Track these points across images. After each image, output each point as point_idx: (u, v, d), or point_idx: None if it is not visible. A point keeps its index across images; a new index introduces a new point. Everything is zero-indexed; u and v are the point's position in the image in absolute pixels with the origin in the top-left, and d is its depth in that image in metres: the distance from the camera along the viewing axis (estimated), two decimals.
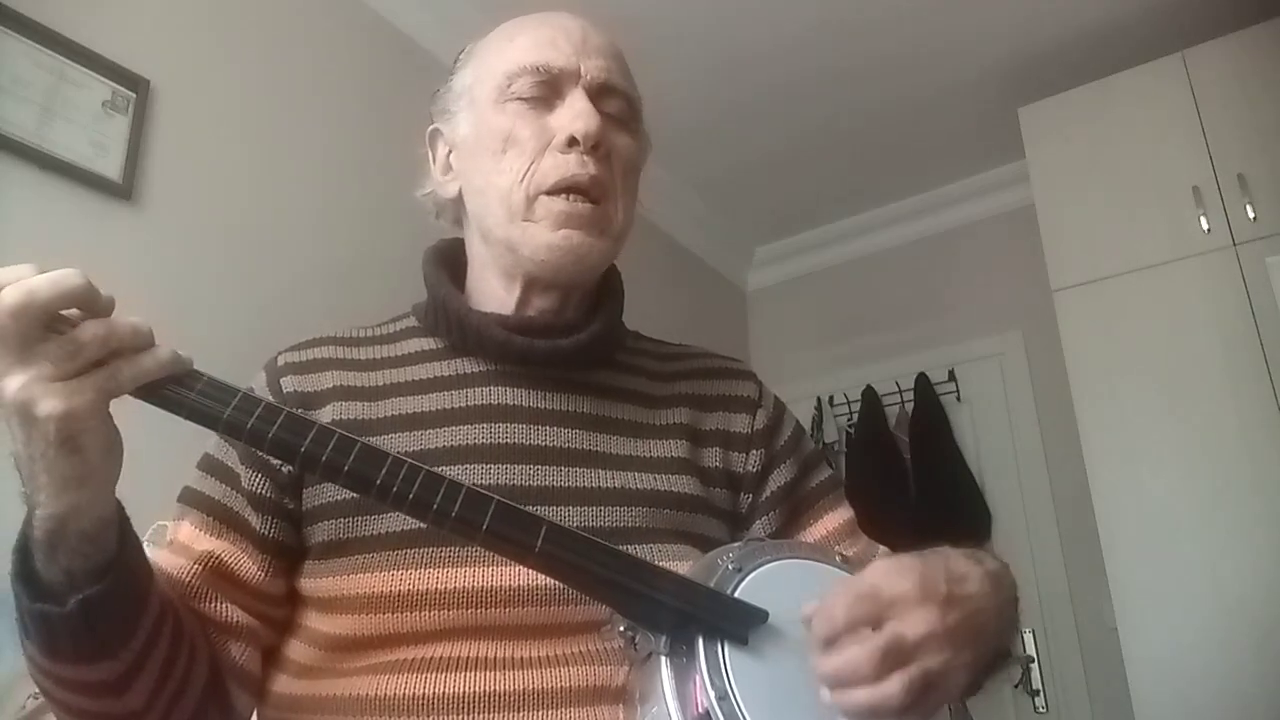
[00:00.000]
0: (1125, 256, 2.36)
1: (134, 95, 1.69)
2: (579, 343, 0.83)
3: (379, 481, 0.60)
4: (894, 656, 0.57)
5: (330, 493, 0.75)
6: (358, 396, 0.80)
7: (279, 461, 0.74)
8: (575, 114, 0.80)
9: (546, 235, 0.80)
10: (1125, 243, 2.37)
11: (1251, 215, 2.20)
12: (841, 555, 0.74)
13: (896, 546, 0.88)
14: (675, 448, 0.83)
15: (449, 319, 0.84)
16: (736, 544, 0.70)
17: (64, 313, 0.56)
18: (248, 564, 0.75)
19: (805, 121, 2.96)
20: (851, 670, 0.57)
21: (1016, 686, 2.56)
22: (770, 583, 0.65)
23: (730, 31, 2.57)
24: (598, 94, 0.82)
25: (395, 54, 2.29)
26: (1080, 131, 2.53)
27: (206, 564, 0.74)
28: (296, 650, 0.76)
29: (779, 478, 0.87)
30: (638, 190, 0.89)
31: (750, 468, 0.86)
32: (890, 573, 0.62)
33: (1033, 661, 2.50)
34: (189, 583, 0.74)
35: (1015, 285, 3.03)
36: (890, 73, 2.74)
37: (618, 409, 0.84)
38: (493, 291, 0.86)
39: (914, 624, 0.59)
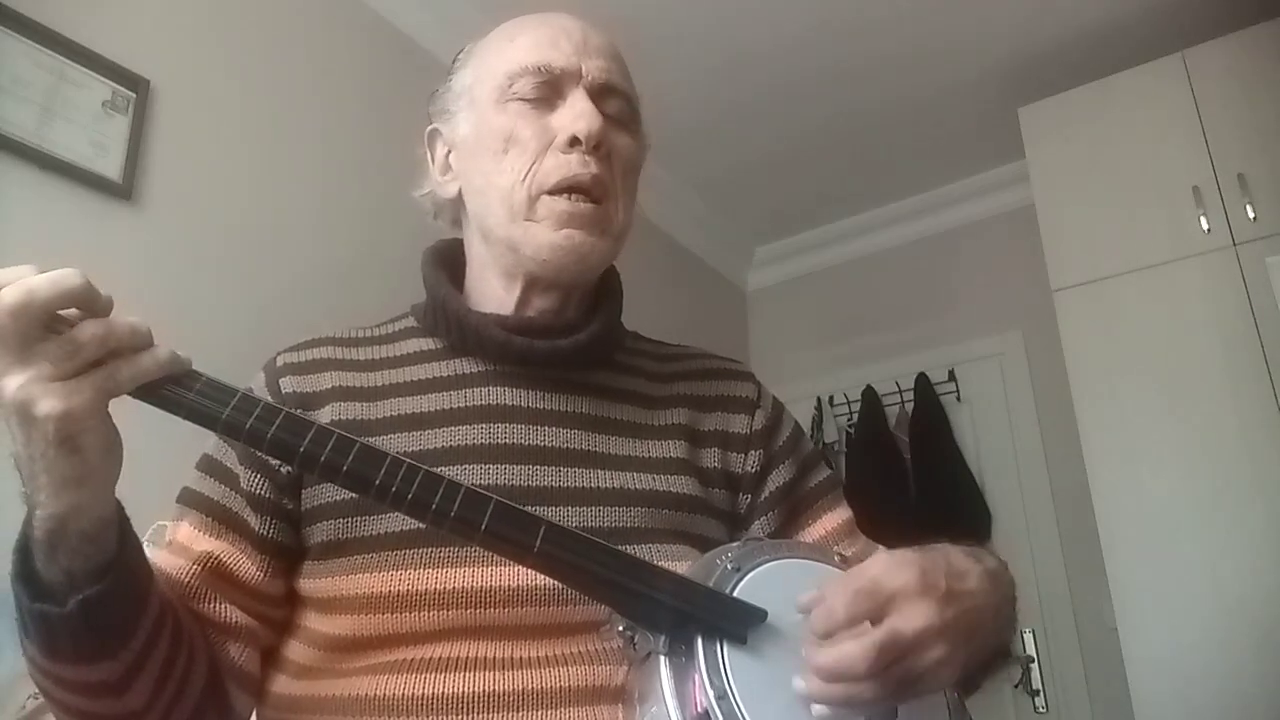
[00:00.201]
0: (1125, 256, 2.36)
1: (134, 95, 1.69)
2: (578, 343, 0.83)
3: (378, 481, 0.60)
4: (890, 653, 0.57)
5: (329, 493, 0.75)
6: (357, 397, 0.80)
7: (278, 462, 0.74)
8: (577, 114, 0.80)
9: (549, 235, 0.80)
10: (1125, 243, 2.37)
11: (1251, 215, 2.20)
12: (840, 555, 0.74)
13: (896, 547, 0.88)
14: (674, 448, 0.83)
15: (448, 319, 0.84)
16: (735, 544, 0.70)
17: (63, 313, 0.56)
18: (247, 564, 0.75)
19: (805, 121, 2.96)
20: (847, 667, 0.57)
21: (1016, 686, 2.57)
22: (769, 582, 0.65)
23: (730, 31, 2.57)
24: (599, 94, 0.83)
25: (395, 54, 2.29)
26: (1080, 131, 2.53)
27: (205, 564, 0.74)
28: (295, 651, 0.76)
29: (778, 478, 0.87)
30: (637, 190, 0.89)
31: (749, 468, 0.86)
32: (890, 566, 0.62)
33: (1033, 661, 2.50)
34: (188, 583, 0.74)
35: (1015, 285, 3.03)
36: (890, 73, 2.74)
37: (617, 409, 0.84)
38: (492, 292, 0.86)
39: (911, 618, 0.59)
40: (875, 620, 0.58)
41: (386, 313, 0.93)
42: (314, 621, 0.75)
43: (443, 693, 0.67)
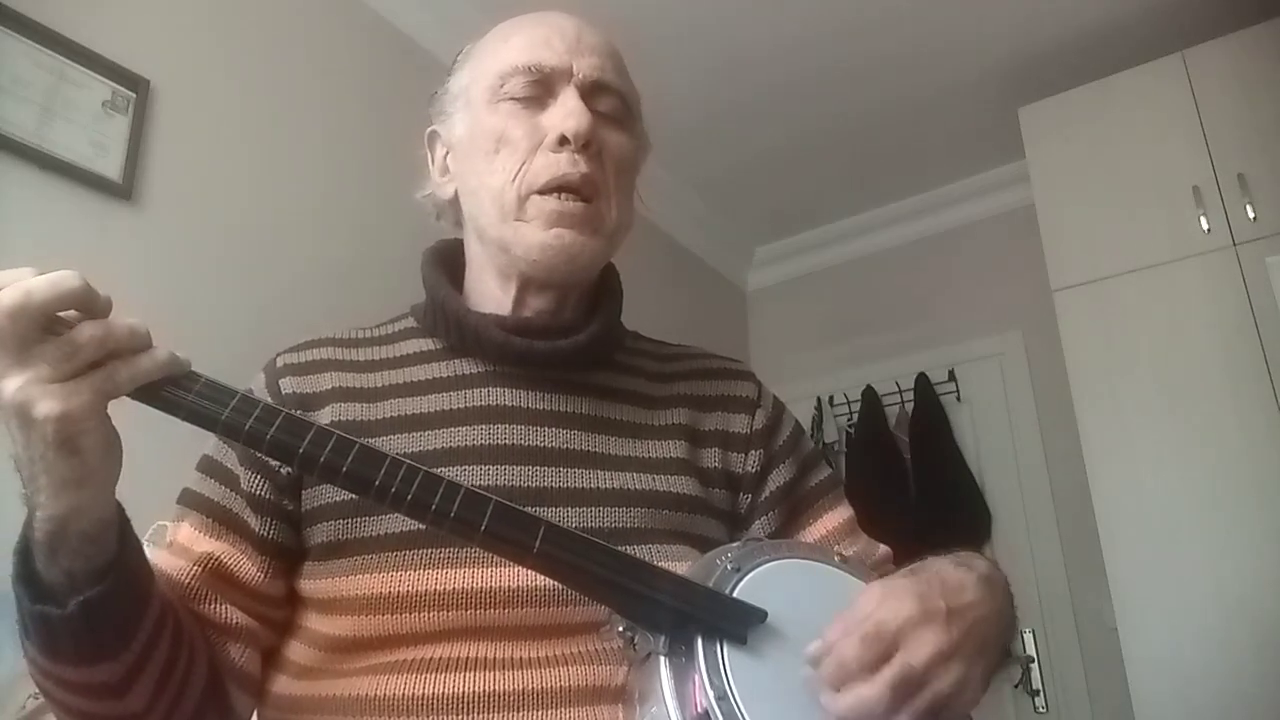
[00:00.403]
0: (1125, 256, 2.36)
1: (134, 95, 1.69)
2: (578, 344, 0.83)
3: (377, 482, 0.60)
4: (905, 689, 0.57)
5: (329, 494, 0.75)
6: (356, 398, 0.80)
7: (278, 463, 0.74)
8: (566, 113, 0.80)
9: (538, 235, 0.80)
10: (1125, 243, 2.37)
11: (1251, 215, 2.20)
12: (840, 555, 0.74)
13: (896, 547, 0.88)
14: (674, 448, 0.83)
15: (447, 320, 0.84)
16: (735, 544, 0.70)
17: (62, 314, 0.56)
18: (247, 565, 0.75)
19: (805, 121, 2.96)
20: (868, 713, 0.57)
21: (1016, 686, 2.57)
22: (769, 582, 0.65)
23: (730, 31, 2.57)
24: (590, 92, 0.82)
25: (395, 54, 2.29)
26: (1080, 131, 2.53)
27: (206, 565, 0.74)
28: (296, 651, 0.76)
29: (778, 478, 0.87)
30: (634, 188, 0.89)
31: (749, 468, 0.86)
32: (887, 601, 0.61)
33: (1033, 661, 2.50)
34: (188, 584, 0.74)
35: (1015, 285, 3.03)
36: (890, 73, 2.74)
37: (616, 410, 0.84)
38: (490, 292, 0.86)
39: (919, 649, 0.59)
40: (885, 659, 0.59)
41: (386, 313, 0.93)
42: (314, 622, 0.75)
43: (443, 693, 0.67)
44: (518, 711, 0.66)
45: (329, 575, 0.73)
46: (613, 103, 0.85)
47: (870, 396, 3.22)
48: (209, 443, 0.81)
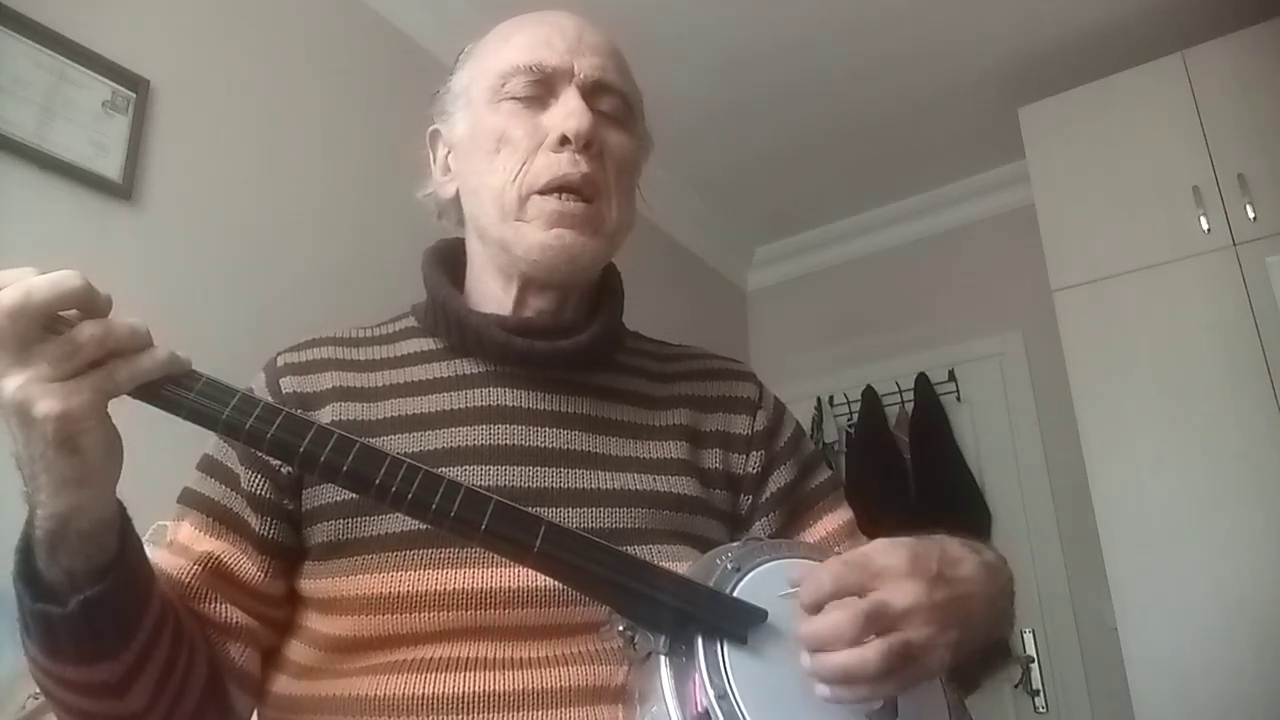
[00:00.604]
0: (1125, 256, 2.36)
1: (134, 95, 1.69)
2: (578, 344, 0.83)
3: (378, 481, 0.60)
4: (876, 621, 0.57)
5: (330, 493, 0.75)
6: (357, 397, 0.80)
7: (278, 462, 0.74)
8: (567, 112, 0.80)
9: (539, 235, 0.80)
10: (1125, 243, 2.37)
11: (1251, 215, 2.20)
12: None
13: None
14: (675, 449, 0.83)
15: (448, 320, 0.84)
16: (735, 544, 0.70)
17: (62, 314, 0.56)
18: (247, 565, 0.75)
19: (805, 121, 2.96)
20: (832, 632, 0.57)
21: (1016, 686, 2.56)
22: (769, 582, 0.65)
23: (730, 31, 2.57)
24: (591, 92, 0.82)
25: (395, 54, 2.30)
26: (1080, 131, 2.53)
27: (206, 565, 0.74)
28: (296, 651, 0.76)
29: (779, 479, 0.87)
30: (635, 188, 0.89)
31: (750, 469, 0.86)
32: (883, 546, 0.63)
33: (1033, 661, 2.50)
34: (189, 583, 0.74)
35: (1015, 285, 3.03)
36: (890, 73, 2.74)
37: (617, 410, 0.84)
38: (491, 292, 0.86)
39: (899, 594, 0.59)
40: (862, 595, 0.59)
41: (386, 313, 0.93)
42: (315, 622, 0.74)
43: (444, 693, 0.67)
44: (518, 711, 0.66)
45: (329, 575, 0.73)
46: (614, 102, 0.85)
47: (870, 396, 3.23)
48: (209, 442, 0.81)
